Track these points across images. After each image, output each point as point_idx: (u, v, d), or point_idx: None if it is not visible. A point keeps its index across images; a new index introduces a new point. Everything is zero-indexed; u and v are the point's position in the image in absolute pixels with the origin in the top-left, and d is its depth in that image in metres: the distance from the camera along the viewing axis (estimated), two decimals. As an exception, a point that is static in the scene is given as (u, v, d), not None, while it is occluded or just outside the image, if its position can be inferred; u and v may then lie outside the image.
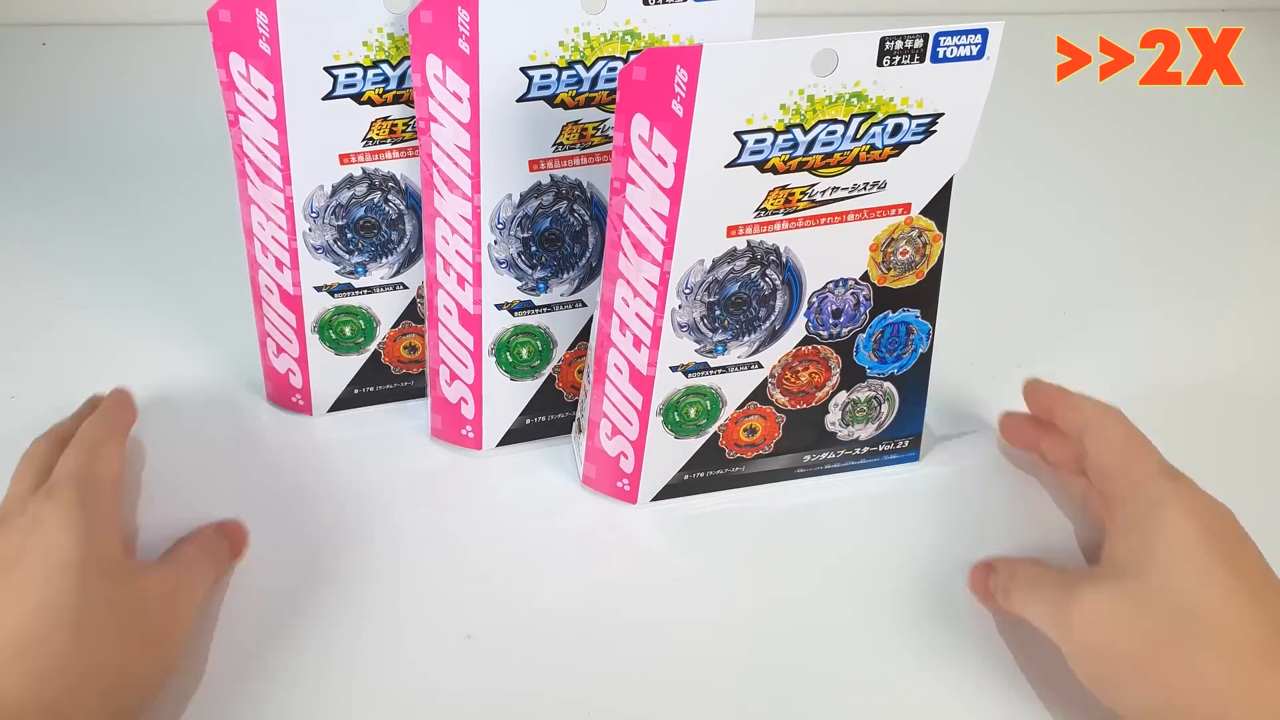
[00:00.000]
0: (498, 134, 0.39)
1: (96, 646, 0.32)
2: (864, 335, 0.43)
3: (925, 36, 0.36)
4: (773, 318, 0.41)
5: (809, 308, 0.41)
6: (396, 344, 0.47)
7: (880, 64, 0.36)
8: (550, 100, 0.39)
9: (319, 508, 0.43)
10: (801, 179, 0.38)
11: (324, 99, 0.40)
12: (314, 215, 0.42)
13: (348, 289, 0.44)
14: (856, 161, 0.38)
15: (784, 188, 0.38)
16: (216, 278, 0.53)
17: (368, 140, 0.41)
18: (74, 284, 0.54)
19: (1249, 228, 0.63)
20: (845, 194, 0.39)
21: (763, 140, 0.37)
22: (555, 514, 0.44)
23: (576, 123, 0.40)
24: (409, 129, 0.42)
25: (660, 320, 0.40)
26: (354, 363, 0.46)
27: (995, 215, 0.62)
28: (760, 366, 0.42)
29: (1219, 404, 0.50)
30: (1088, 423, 0.39)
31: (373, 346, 0.46)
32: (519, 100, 0.39)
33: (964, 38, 0.37)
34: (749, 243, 0.39)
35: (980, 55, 0.37)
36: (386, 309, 0.46)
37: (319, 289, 0.44)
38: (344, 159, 0.42)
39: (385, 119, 0.41)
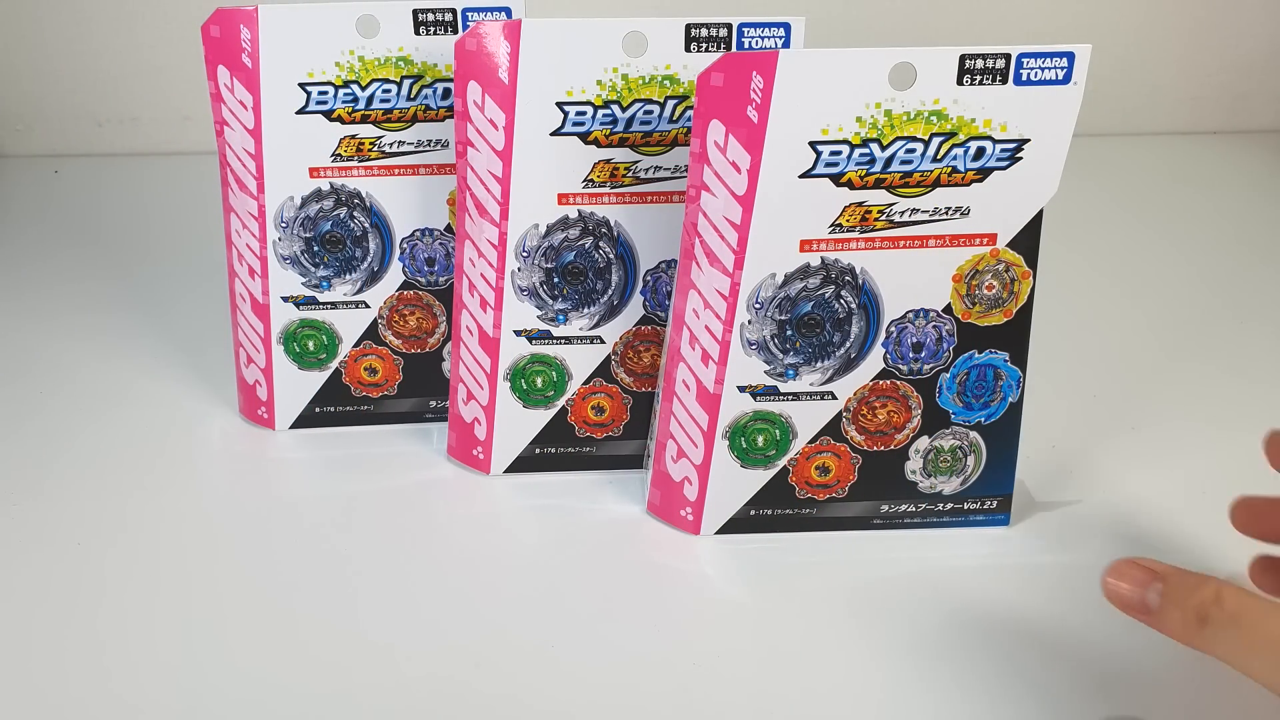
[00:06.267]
0: (529, 164, 0.41)
1: None
2: (948, 375, 0.41)
3: (1007, 57, 0.36)
4: (848, 344, 0.40)
5: (887, 338, 0.40)
6: (357, 364, 0.47)
7: (960, 82, 0.36)
8: (584, 137, 0.40)
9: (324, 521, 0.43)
10: (879, 197, 0.38)
11: (297, 113, 0.42)
12: (284, 225, 0.44)
13: (312, 302, 0.46)
14: (938, 184, 0.38)
15: (860, 204, 0.38)
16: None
17: (336, 156, 0.43)
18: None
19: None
20: (926, 217, 0.39)
21: (838, 152, 0.37)
22: (619, 541, 0.43)
23: (608, 161, 0.41)
24: (375, 148, 0.44)
25: (729, 335, 0.40)
26: (316, 379, 0.47)
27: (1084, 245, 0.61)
28: (834, 398, 0.41)
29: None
30: None
31: (334, 364, 0.47)
32: (553, 134, 0.41)
33: (1048, 60, 0.36)
34: (823, 260, 0.39)
35: (1066, 80, 0.37)
36: (348, 326, 0.47)
37: (285, 299, 0.45)
38: (313, 172, 0.44)
39: (353, 137, 0.43)
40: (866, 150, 0.37)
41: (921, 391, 0.41)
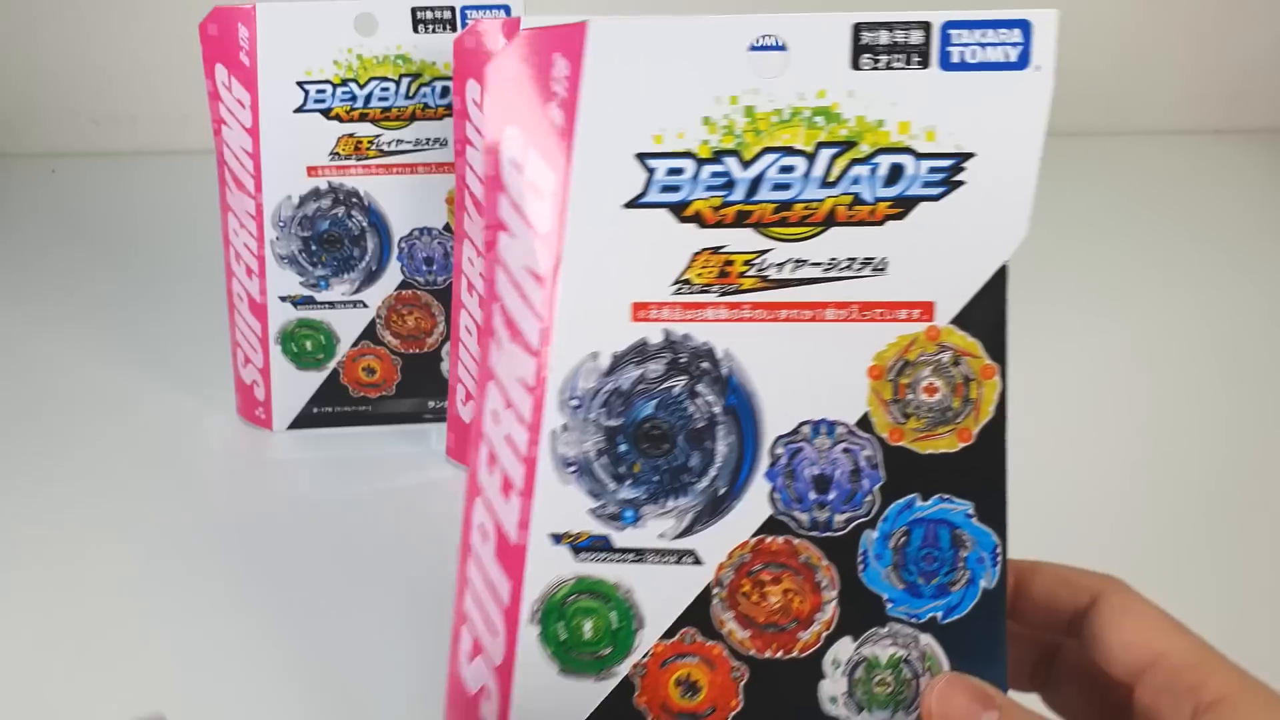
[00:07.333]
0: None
1: None
2: (875, 535, 0.26)
3: (925, 26, 0.24)
4: (713, 471, 0.26)
5: (774, 464, 0.26)
6: (355, 364, 0.48)
7: (857, 65, 0.25)
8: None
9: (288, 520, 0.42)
10: (745, 239, 0.26)
11: (295, 111, 0.43)
12: (281, 224, 0.44)
13: (310, 301, 0.46)
14: (833, 221, 0.25)
15: (717, 250, 0.26)
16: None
17: (334, 154, 0.44)
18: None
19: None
20: (819, 272, 0.25)
21: (679, 170, 0.25)
22: None
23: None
24: (373, 146, 0.44)
25: (535, 449, 0.27)
26: (314, 379, 0.47)
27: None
28: (698, 561, 0.27)
29: None
30: (1099, 601, 0.25)
31: (332, 364, 0.47)
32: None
33: (990, 33, 0.24)
34: (668, 335, 0.26)
35: (1023, 63, 0.24)
36: (346, 326, 0.47)
37: (283, 299, 0.46)
38: (311, 171, 0.44)
39: (351, 135, 0.44)
40: (720, 167, 0.25)
41: (837, 559, 0.26)
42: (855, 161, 0.25)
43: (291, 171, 0.44)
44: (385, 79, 0.43)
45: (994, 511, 0.25)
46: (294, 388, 0.47)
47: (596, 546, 0.27)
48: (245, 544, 0.41)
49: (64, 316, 0.58)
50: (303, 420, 0.48)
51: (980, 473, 0.25)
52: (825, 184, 0.25)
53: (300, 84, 0.43)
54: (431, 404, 0.49)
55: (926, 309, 0.25)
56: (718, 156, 0.25)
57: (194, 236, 0.65)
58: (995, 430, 0.25)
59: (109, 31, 0.77)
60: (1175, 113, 0.81)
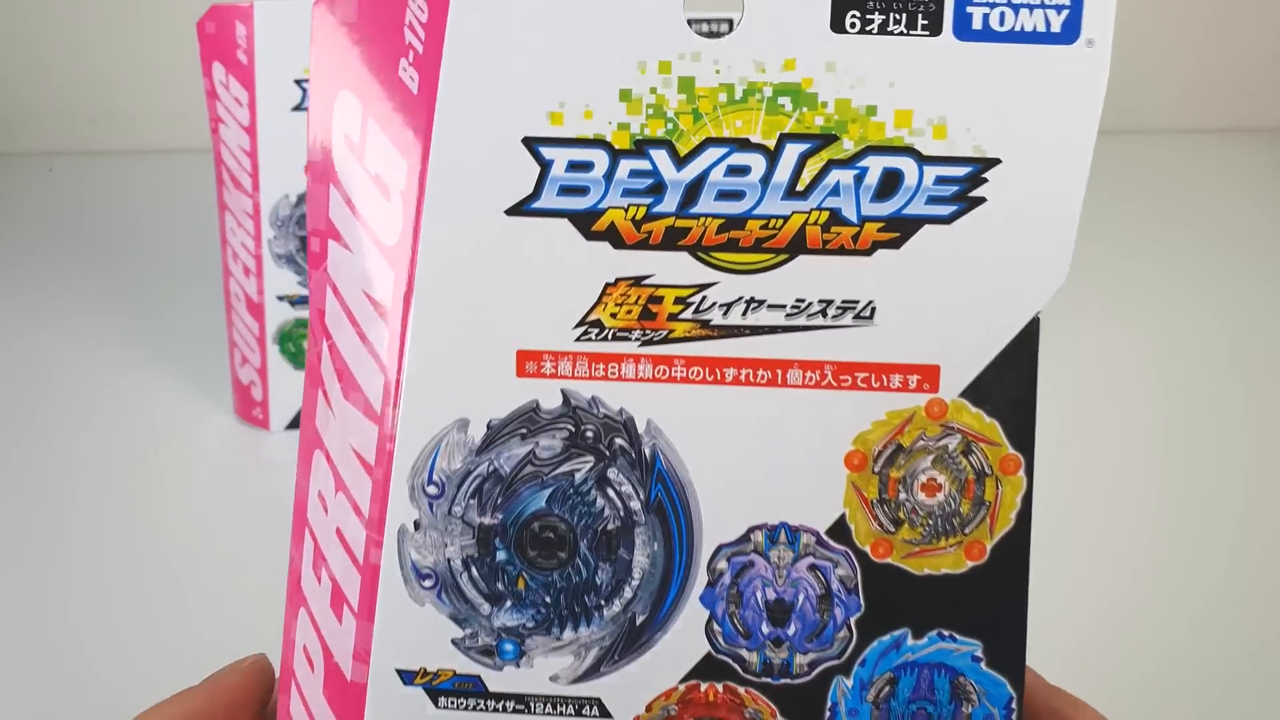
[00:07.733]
0: None
1: None
2: (848, 680, 0.19)
3: (938, -23, 0.17)
4: (628, 591, 0.19)
5: (713, 584, 0.19)
6: None
7: (841, 26, 0.17)
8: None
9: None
10: (679, 266, 0.18)
11: (294, 110, 0.42)
12: (279, 223, 0.44)
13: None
14: (801, 245, 0.18)
15: (640, 282, 0.18)
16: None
17: None
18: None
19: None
20: (781, 318, 0.18)
21: (586, 165, 0.18)
22: None
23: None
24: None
25: (377, 553, 0.19)
26: None
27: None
28: (604, 714, 0.19)
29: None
30: None
31: None
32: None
33: (1029, -11, 0.17)
34: (568, 398, 0.19)
35: (1070, 35, 0.17)
36: None
37: (280, 298, 0.45)
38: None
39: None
40: (645, 164, 0.18)
41: (797, 715, 0.19)
42: (834, 164, 0.18)
43: (289, 170, 0.43)
44: None
45: (1009, 653, 0.18)
46: (292, 388, 0.47)
47: (464, 690, 0.19)
48: (242, 545, 0.41)
49: (60, 315, 0.57)
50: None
51: (994, 601, 0.18)
52: (792, 194, 0.18)
53: (298, 82, 0.42)
54: None
55: (929, 375, 0.18)
56: (641, 148, 0.18)
57: (191, 235, 0.65)
58: (1016, 544, 0.18)
59: (106, 30, 0.76)
60: (1180, 111, 0.79)
